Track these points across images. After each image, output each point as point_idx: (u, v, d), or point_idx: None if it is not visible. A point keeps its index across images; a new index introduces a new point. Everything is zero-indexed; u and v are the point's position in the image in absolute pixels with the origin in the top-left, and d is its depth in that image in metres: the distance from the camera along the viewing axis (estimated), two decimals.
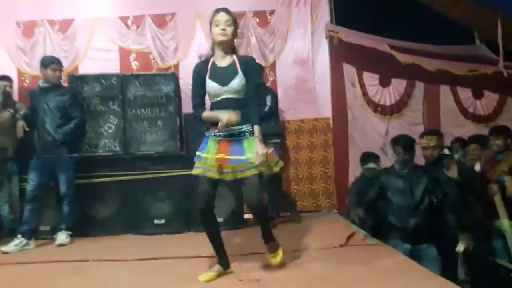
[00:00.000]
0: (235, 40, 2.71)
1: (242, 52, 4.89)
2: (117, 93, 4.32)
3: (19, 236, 3.73)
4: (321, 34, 5.04)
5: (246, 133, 2.66)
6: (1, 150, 3.93)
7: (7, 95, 4.03)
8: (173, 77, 4.42)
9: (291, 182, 5.00)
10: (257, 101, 2.77)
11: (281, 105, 4.70)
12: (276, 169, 2.80)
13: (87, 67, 4.78)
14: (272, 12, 4.98)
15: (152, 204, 4.24)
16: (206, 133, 2.80)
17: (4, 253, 3.59)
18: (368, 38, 5.03)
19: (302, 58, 4.99)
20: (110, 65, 4.83)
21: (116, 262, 3.22)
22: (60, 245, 3.82)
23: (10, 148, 4.04)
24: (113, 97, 4.33)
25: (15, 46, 4.87)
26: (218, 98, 2.66)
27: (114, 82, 4.33)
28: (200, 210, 2.75)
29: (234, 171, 2.65)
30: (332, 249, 3.25)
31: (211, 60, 2.71)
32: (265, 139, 4.26)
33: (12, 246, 3.66)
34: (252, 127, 2.64)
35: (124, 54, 4.85)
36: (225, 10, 2.66)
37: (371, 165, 4.35)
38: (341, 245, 3.32)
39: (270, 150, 2.71)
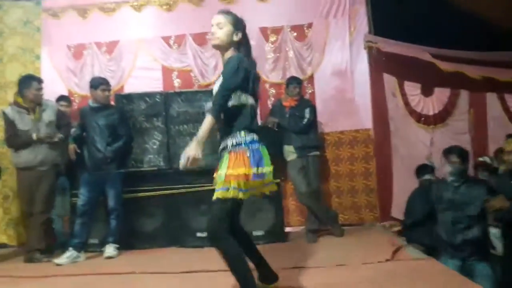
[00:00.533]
0: (235, 41, 2.40)
1: (280, 66, 4.98)
2: (160, 110, 4.48)
3: (70, 248, 3.91)
4: (360, 44, 5.01)
5: (226, 148, 2.40)
6: (54, 166, 4.15)
7: (62, 115, 4.27)
8: (212, 94, 4.52)
9: (332, 195, 4.95)
10: (218, 96, 2.39)
11: (320, 117, 4.70)
12: (220, 194, 2.37)
13: (132, 86, 4.99)
14: (309, 26, 5.01)
15: (195, 218, 4.31)
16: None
17: (57, 265, 3.78)
18: (408, 47, 4.94)
19: (341, 69, 4.97)
20: (153, 83, 5.01)
21: (161, 274, 3.30)
22: (108, 257, 3.97)
23: (62, 165, 4.25)
24: (157, 114, 4.49)
25: (66, 68, 5.17)
26: None
27: (157, 99, 4.50)
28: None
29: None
30: (377, 263, 3.18)
31: None
32: (304, 152, 4.34)
33: (64, 258, 3.84)
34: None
35: (166, 72, 5.04)
36: (221, 11, 2.46)
37: (427, 176, 4.25)
38: (387, 260, 3.24)
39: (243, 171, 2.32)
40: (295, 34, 5.01)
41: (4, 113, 4.09)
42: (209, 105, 2.48)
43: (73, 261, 3.85)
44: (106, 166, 4.03)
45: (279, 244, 4.12)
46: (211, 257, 3.76)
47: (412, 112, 5.01)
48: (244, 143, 2.38)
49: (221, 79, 2.40)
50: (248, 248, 2.59)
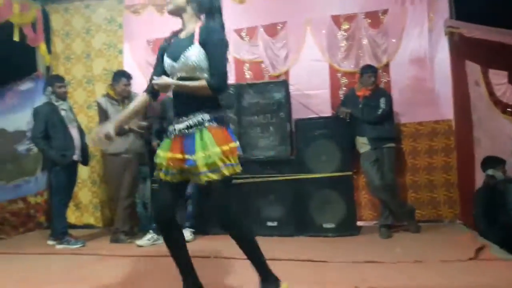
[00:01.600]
0: (195, 6, 2.20)
1: (353, 55, 4.84)
2: (233, 101, 4.59)
3: (151, 231, 4.19)
4: (440, 30, 4.69)
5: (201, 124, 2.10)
6: (138, 155, 4.46)
7: (148, 107, 4.53)
8: (284, 84, 4.54)
9: (408, 189, 4.73)
10: (221, 65, 2.11)
11: (396, 107, 4.50)
12: (227, 171, 2.12)
13: None
14: (385, 12, 4.79)
15: (265, 207, 4.39)
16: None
17: (139, 246, 4.07)
18: (494, 32, 4.51)
19: (419, 57, 4.70)
20: None
21: (236, 260, 3.40)
22: (185, 241, 4.17)
23: (145, 153, 4.55)
24: (230, 106, 4.60)
25: (145, 62, 5.45)
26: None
27: (231, 91, 4.60)
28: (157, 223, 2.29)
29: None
30: (458, 262, 3.01)
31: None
32: (378, 143, 4.19)
33: (145, 240, 4.12)
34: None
35: (238, 64, 5.12)
36: None
37: (489, 172, 3.96)
38: (470, 259, 3.05)
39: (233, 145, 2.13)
40: (369, 21, 4.83)
41: (98, 103, 4.52)
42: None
43: (153, 243, 4.12)
44: None
45: (350, 238, 4.05)
46: (280, 246, 3.83)
47: (497, 102, 4.59)
48: (223, 118, 2.17)
49: (196, 47, 2.09)
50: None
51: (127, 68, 5.32)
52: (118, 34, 5.48)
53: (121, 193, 4.39)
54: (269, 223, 4.36)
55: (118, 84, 4.42)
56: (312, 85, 4.84)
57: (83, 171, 5.32)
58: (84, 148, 4.49)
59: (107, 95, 4.51)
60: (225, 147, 2.10)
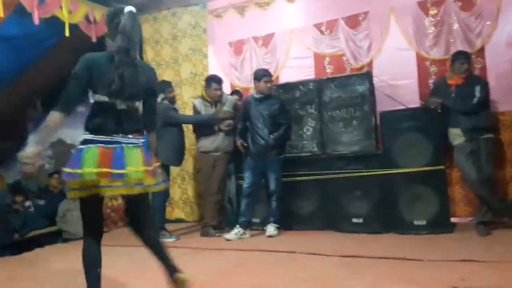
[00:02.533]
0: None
1: (442, 41, 4.53)
2: (314, 97, 4.56)
3: (237, 226, 4.34)
4: None
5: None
6: (226, 153, 4.67)
7: (237, 108, 4.79)
8: (368, 76, 4.40)
9: (509, 182, 4.30)
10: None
11: (493, 95, 4.12)
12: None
13: (286, 76, 5.18)
14: None
15: (350, 203, 4.29)
16: None
17: (227, 240, 4.23)
18: None
19: None
20: (306, 71, 5.10)
21: (321, 256, 3.39)
22: (270, 236, 4.26)
23: (232, 152, 4.72)
24: (311, 101, 4.58)
25: (228, 64, 5.66)
26: None
27: (311, 87, 4.58)
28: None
29: None
30: None
31: None
32: (474, 134, 3.87)
33: (232, 234, 4.28)
34: None
35: (318, 59, 5.06)
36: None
37: None
38: None
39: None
40: (460, 4, 4.48)
41: (194, 104, 4.84)
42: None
43: (239, 237, 4.26)
44: (268, 152, 4.32)
45: (444, 236, 3.81)
46: (368, 243, 3.73)
47: None
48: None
49: None
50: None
51: (211, 70, 5.57)
52: (203, 39, 5.74)
53: (211, 189, 4.62)
54: (355, 220, 4.26)
55: (210, 88, 4.66)
56: (398, 75, 4.63)
57: (174, 170, 5.68)
58: (183, 149, 4.78)
59: (202, 97, 4.79)
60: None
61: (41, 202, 6.04)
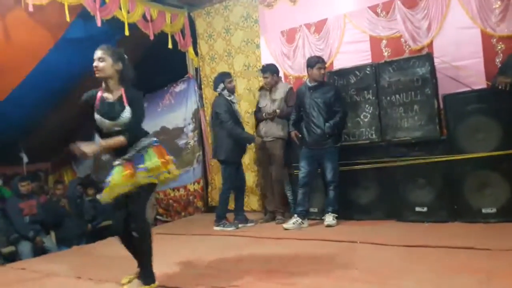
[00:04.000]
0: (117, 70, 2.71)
1: (510, 16, 4.20)
2: (371, 82, 4.43)
3: (295, 216, 4.35)
4: None
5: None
6: (278, 139, 4.74)
7: (291, 93, 4.82)
8: (429, 58, 4.19)
9: None
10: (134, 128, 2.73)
11: None
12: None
13: (340, 62, 5.05)
14: None
15: (413, 191, 4.15)
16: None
17: (285, 229, 4.26)
18: None
19: None
20: (361, 56, 4.94)
21: (382, 246, 3.32)
22: (328, 226, 4.23)
23: (286, 138, 4.74)
24: (368, 87, 4.46)
25: (280, 53, 5.63)
26: (107, 131, 2.71)
27: (368, 72, 4.45)
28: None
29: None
30: None
31: (99, 92, 2.77)
32: None
33: (290, 224, 4.30)
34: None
35: (375, 42, 4.88)
36: (101, 47, 2.72)
37: None
38: None
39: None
40: None
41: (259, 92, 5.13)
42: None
43: (298, 227, 4.27)
44: (324, 141, 4.28)
45: None
46: (433, 233, 3.60)
47: None
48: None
49: (127, 110, 2.68)
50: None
51: (264, 61, 5.58)
52: (255, 29, 5.76)
53: (272, 177, 4.77)
54: (418, 209, 4.11)
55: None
56: (461, 55, 4.36)
57: None
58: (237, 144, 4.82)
59: (262, 88, 5.08)
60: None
61: None
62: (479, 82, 4.27)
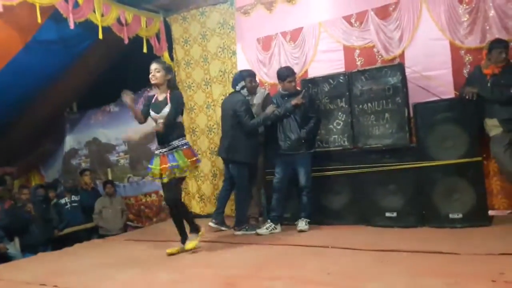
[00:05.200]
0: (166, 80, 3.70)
1: (478, 29, 4.37)
2: (344, 90, 4.50)
3: (268, 221, 4.35)
4: None
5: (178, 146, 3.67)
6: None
7: (267, 99, 4.79)
8: (400, 67, 4.30)
9: None
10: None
11: None
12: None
13: (315, 70, 5.12)
14: None
15: (383, 197, 4.22)
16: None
17: (258, 234, 4.25)
18: None
19: None
20: (335, 64, 5.03)
21: (353, 250, 3.36)
22: (301, 231, 4.24)
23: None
24: (341, 95, 4.52)
25: (256, 60, 5.66)
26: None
27: (341, 80, 4.53)
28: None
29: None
30: None
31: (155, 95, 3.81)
32: None
33: (264, 229, 4.29)
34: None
35: (348, 52, 4.98)
36: (157, 61, 3.77)
37: None
38: None
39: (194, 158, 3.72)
40: None
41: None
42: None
43: (271, 232, 4.27)
44: (299, 147, 4.30)
45: (481, 229, 3.68)
46: (402, 238, 3.67)
47: None
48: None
49: (168, 105, 3.65)
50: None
51: (240, 67, 5.59)
52: (231, 36, 5.78)
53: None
54: (388, 214, 4.18)
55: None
56: (431, 65, 4.50)
57: (205, 166, 5.77)
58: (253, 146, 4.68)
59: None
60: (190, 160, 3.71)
61: (75, 198, 6.24)
62: (448, 92, 4.41)
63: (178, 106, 3.70)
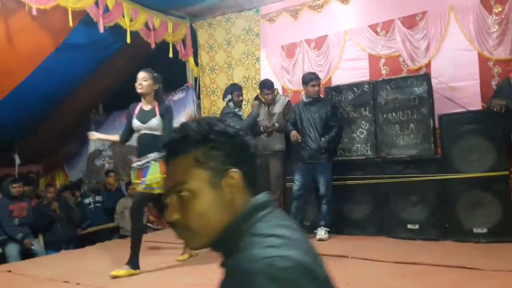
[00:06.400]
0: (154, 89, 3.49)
1: (508, 40, 4.29)
2: (368, 99, 4.47)
3: None
4: None
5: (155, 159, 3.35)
6: (276, 152, 4.74)
7: (288, 108, 4.83)
8: (426, 78, 4.25)
9: None
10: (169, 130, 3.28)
11: None
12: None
13: (339, 78, 5.12)
14: None
15: (405, 208, 4.16)
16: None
17: None
18: None
19: None
20: (360, 73, 5.02)
21: (373, 261, 3.31)
22: (320, 239, 4.21)
23: (284, 151, 4.77)
24: (365, 104, 4.50)
25: (280, 67, 5.70)
26: (139, 133, 3.49)
27: (365, 89, 4.50)
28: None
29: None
30: None
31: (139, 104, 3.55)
32: None
33: None
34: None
35: (373, 60, 4.96)
36: (145, 70, 3.52)
37: None
38: None
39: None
40: None
41: (252, 103, 4.94)
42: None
43: None
44: (319, 155, 4.29)
45: (507, 245, 3.58)
46: (424, 250, 3.60)
47: None
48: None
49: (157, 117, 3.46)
50: None
51: (264, 74, 5.64)
52: (256, 43, 5.83)
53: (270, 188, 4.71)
54: (410, 226, 4.11)
55: (262, 93, 4.80)
56: (458, 76, 4.44)
57: None
58: None
59: (259, 98, 4.93)
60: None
61: (99, 198, 6.36)
62: (475, 104, 4.33)
63: (172, 123, 3.49)
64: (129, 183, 6.45)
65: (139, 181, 3.38)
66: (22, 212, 5.20)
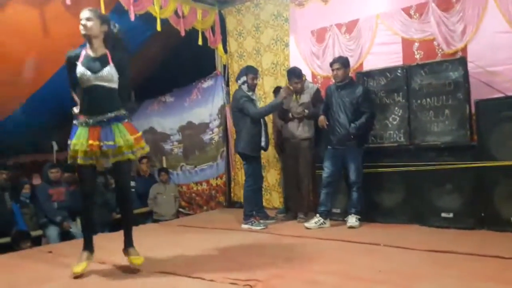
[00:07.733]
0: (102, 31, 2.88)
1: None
2: (401, 84, 4.37)
3: (317, 215, 4.33)
4: None
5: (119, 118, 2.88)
6: (305, 139, 4.68)
7: (317, 97, 4.76)
8: (462, 62, 4.10)
9: None
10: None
11: None
12: (139, 154, 3.01)
13: (371, 63, 4.99)
14: None
15: (439, 197, 4.07)
16: (75, 122, 2.93)
17: (307, 228, 4.25)
18: None
19: None
20: (392, 57, 4.86)
21: (405, 249, 3.28)
22: (351, 227, 4.19)
23: (312, 138, 4.72)
24: (398, 89, 4.40)
25: (309, 52, 5.61)
26: (88, 85, 2.85)
27: (399, 74, 4.39)
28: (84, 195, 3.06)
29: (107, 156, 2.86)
30: None
31: (83, 51, 2.92)
32: None
33: (312, 223, 4.28)
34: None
35: (407, 44, 4.79)
36: (88, 8, 2.87)
37: None
38: None
39: (139, 134, 2.96)
40: None
41: (281, 91, 4.79)
42: None
43: (319, 226, 4.26)
44: (349, 141, 4.24)
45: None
46: (458, 239, 3.53)
47: None
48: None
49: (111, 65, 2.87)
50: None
51: (292, 60, 5.59)
52: (284, 28, 5.76)
53: (299, 176, 4.71)
54: (444, 214, 4.03)
55: (290, 82, 4.68)
56: (496, 60, 4.24)
57: None
58: (266, 135, 4.77)
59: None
60: (134, 136, 2.91)
61: (132, 183, 6.52)
62: None
63: (130, 70, 3.01)
64: (161, 170, 6.61)
65: (96, 142, 2.79)
66: (60, 196, 5.43)
